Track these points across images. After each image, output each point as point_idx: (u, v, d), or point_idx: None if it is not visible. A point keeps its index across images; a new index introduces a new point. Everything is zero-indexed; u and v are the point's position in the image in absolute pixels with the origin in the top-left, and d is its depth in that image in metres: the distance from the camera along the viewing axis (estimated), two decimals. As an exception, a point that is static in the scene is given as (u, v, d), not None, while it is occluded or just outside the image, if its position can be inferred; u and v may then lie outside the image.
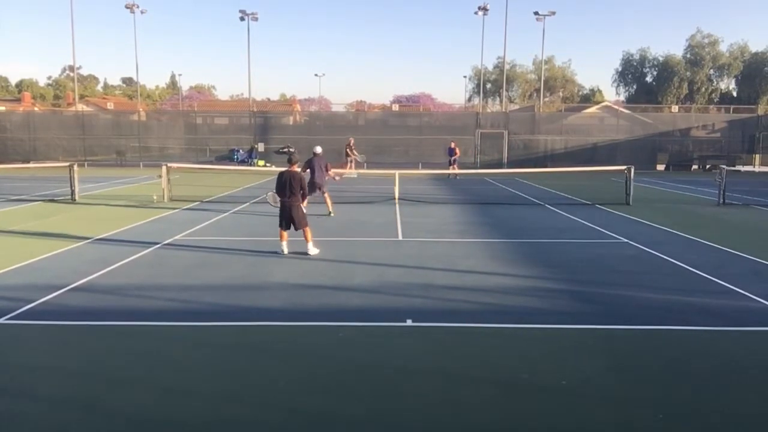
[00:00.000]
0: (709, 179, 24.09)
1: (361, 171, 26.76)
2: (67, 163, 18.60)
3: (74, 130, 36.85)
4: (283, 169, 10.26)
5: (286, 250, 9.77)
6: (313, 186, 13.83)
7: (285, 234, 9.90)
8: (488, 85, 65.14)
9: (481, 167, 33.37)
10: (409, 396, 4.63)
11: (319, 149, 14.56)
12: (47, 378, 4.97)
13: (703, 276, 8.54)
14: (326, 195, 14.54)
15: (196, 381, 4.88)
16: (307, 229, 9.85)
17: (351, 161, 27.76)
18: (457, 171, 27.03)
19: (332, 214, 14.25)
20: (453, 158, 27.67)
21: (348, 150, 27.96)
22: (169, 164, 18.00)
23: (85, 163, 33.95)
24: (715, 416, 4.38)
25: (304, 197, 9.90)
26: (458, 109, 57.25)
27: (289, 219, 9.75)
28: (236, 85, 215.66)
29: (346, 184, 24.11)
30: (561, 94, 66.81)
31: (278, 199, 9.91)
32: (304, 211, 9.89)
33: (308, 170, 13.90)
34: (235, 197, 18.68)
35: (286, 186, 9.73)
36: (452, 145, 28.09)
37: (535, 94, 60.61)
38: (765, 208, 16.84)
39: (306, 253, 9.68)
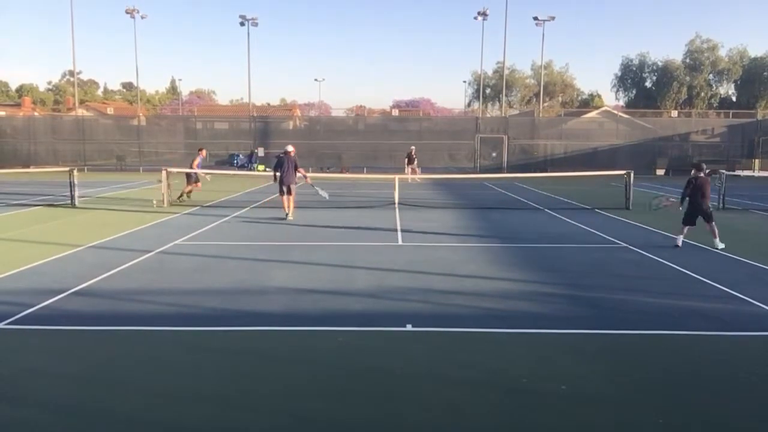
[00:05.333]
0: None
1: (361, 175, 26.80)
2: (67, 168, 18.63)
3: (74, 134, 36.91)
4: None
5: (680, 243, 10.99)
6: (282, 184, 14.50)
7: (685, 229, 11.11)
8: (488, 90, 65.15)
9: (481, 172, 33.41)
10: (409, 401, 4.63)
11: (290, 148, 14.99)
12: (47, 383, 4.97)
13: (702, 280, 8.54)
14: (291, 196, 14.64)
15: (196, 386, 4.88)
16: (713, 224, 10.99)
17: (413, 168, 27.77)
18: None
19: (290, 218, 14.36)
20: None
21: (408, 158, 28.12)
22: (168, 169, 18.04)
23: (85, 168, 34.01)
24: (715, 421, 4.38)
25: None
26: (458, 114, 57.43)
27: (697, 214, 10.97)
28: (236, 90, 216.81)
29: (346, 188, 24.13)
30: (560, 98, 66.91)
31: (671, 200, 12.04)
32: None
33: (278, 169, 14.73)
34: (235, 202, 18.73)
35: (697, 190, 10.93)
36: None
37: (534, 99, 60.69)
38: (764, 213, 16.84)
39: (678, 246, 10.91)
